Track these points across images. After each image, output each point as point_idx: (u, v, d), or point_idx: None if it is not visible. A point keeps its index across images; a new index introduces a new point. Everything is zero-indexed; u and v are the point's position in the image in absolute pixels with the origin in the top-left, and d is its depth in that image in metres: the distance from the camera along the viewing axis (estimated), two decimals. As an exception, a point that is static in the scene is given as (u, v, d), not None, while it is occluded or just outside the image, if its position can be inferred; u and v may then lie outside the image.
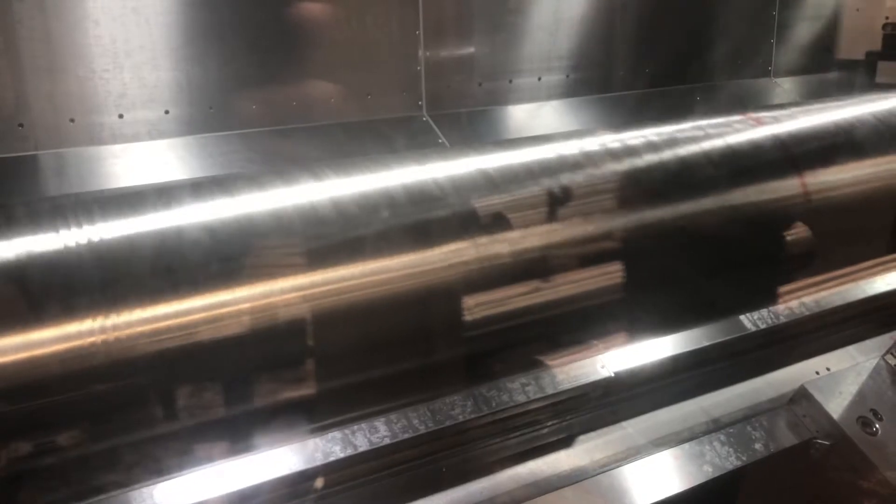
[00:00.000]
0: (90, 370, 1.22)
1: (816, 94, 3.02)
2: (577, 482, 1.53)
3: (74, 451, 1.28)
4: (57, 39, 1.76)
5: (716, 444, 1.65)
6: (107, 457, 1.30)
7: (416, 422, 1.46)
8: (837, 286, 2.06)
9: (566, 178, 1.68)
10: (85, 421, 1.27)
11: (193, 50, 1.91)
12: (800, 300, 1.96)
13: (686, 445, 1.65)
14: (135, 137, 1.88)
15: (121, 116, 1.86)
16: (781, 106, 2.23)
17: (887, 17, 3.37)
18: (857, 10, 3.27)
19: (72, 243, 1.27)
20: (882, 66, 3.34)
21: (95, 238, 1.29)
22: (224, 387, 1.34)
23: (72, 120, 1.81)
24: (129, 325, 1.24)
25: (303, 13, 2.04)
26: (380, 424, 1.43)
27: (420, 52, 2.21)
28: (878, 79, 3.34)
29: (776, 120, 2.04)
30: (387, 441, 1.42)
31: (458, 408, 1.50)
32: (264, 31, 1.99)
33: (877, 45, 3.34)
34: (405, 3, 2.17)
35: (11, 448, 1.22)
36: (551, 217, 1.64)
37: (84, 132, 1.83)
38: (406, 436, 1.44)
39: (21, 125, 1.76)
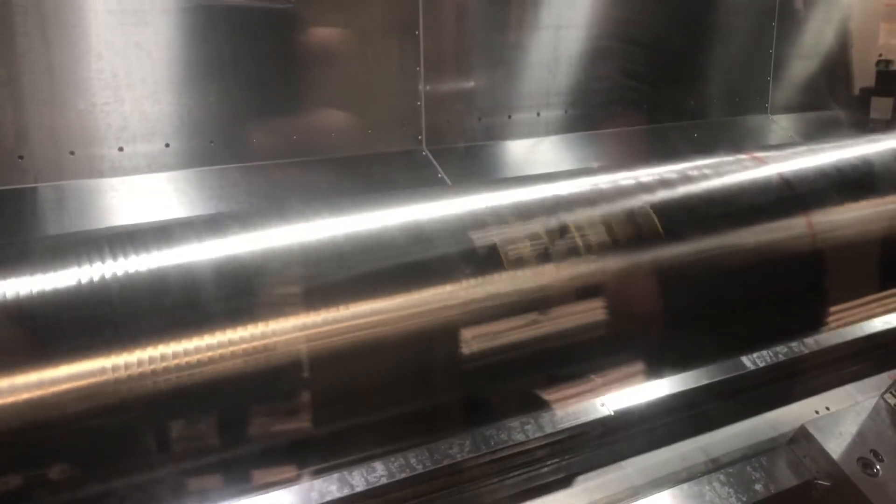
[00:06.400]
0: (91, 410, 1.21)
1: (813, 132, 3.05)
2: (575, 523, 1.52)
3: (70, 490, 1.26)
4: (59, 72, 1.77)
5: (715, 484, 1.64)
6: (104, 495, 1.29)
7: (413, 461, 1.44)
8: (836, 325, 2.06)
9: (564, 217, 1.68)
10: (81, 459, 1.26)
11: (194, 84, 1.92)
12: (799, 339, 1.96)
13: (685, 486, 1.63)
14: (135, 170, 1.89)
15: (121, 149, 1.86)
16: (782, 146, 2.24)
17: (881, 55, 3.41)
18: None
19: (76, 281, 1.27)
20: (875, 101, 3.37)
21: (101, 276, 1.28)
22: (222, 426, 1.33)
23: (72, 152, 1.82)
24: (130, 365, 1.24)
25: (304, 48, 2.06)
26: (377, 464, 1.42)
27: (420, 87, 2.23)
28: (872, 115, 3.38)
29: (778, 159, 2.05)
30: (384, 481, 1.40)
31: (456, 447, 1.49)
32: (265, 65, 2.01)
33: (870, 80, 3.39)
34: (406, 38, 2.19)
35: (2, 482, 1.20)
36: (549, 256, 1.64)
37: (84, 165, 1.83)
38: (403, 475, 1.42)
39: (21, 157, 1.76)
